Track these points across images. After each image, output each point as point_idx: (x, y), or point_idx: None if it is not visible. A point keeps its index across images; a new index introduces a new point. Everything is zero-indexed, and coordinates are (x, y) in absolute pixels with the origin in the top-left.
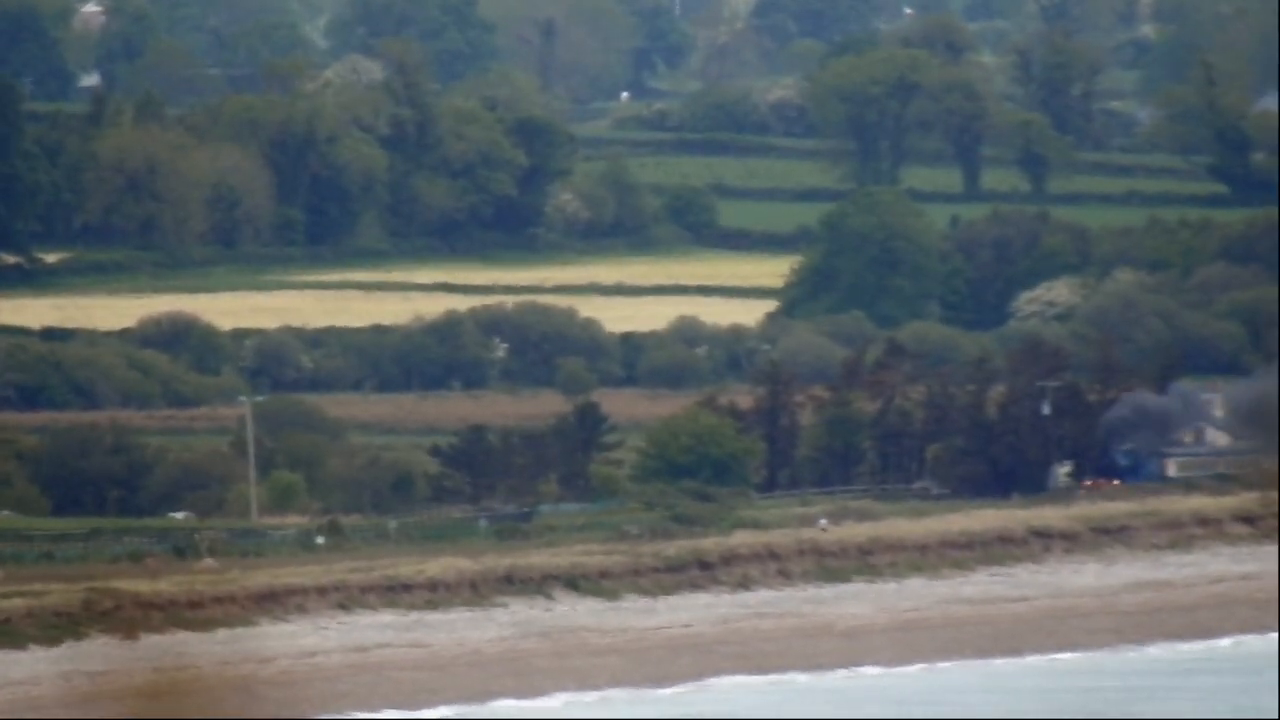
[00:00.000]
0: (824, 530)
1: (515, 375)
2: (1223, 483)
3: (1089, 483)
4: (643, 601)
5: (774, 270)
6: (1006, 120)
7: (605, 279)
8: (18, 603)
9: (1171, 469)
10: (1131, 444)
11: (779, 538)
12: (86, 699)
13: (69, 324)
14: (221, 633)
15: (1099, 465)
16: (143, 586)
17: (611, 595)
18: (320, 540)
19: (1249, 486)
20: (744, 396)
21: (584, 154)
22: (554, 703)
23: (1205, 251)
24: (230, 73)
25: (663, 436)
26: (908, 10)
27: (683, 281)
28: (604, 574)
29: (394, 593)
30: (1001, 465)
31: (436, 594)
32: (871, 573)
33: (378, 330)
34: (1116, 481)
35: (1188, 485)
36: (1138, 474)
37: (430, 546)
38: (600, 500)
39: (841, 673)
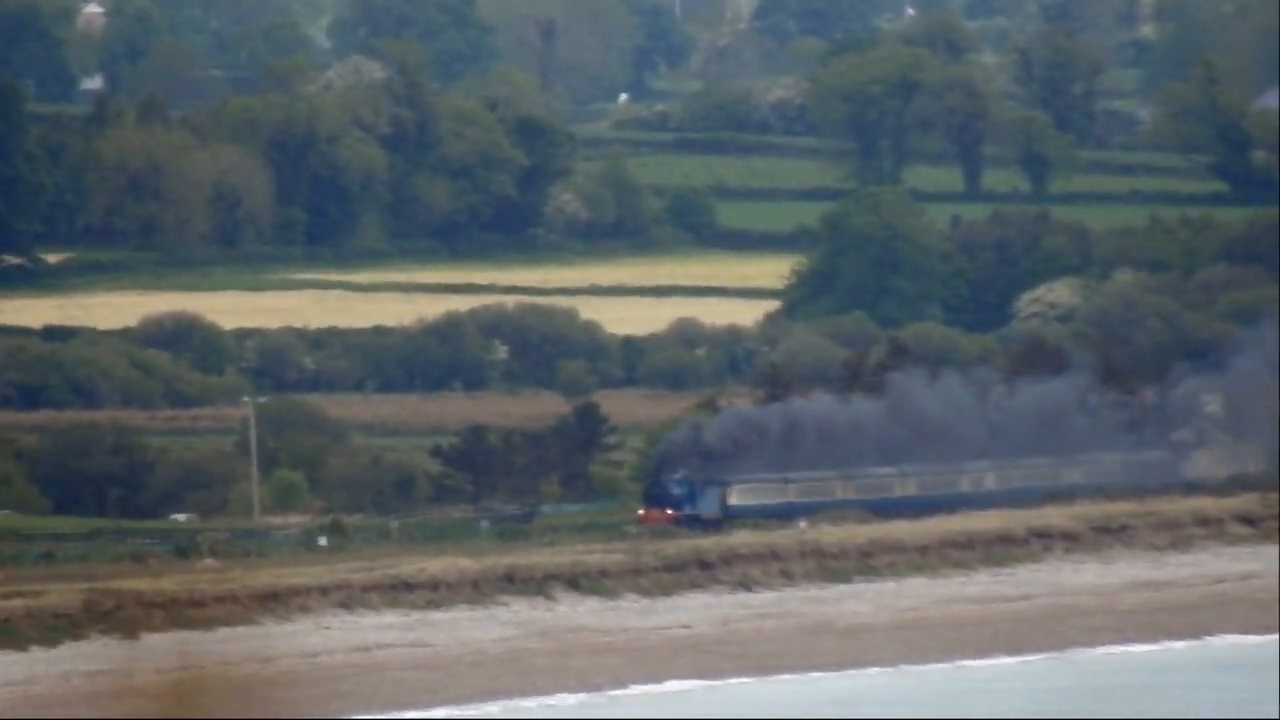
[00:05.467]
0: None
1: (516, 376)
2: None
3: (641, 513)
4: (643, 601)
5: (774, 271)
6: (1007, 119)
7: (605, 280)
8: (17, 603)
9: (734, 497)
10: (686, 473)
11: (779, 538)
12: (87, 699)
13: (71, 323)
14: (223, 632)
15: (652, 496)
16: (144, 586)
17: (612, 594)
18: (322, 540)
19: (1249, 487)
20: (743, 398)
21: (584, 154)
22: (555, 702)
23: (1206, 252)
24: (232, 74)
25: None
26: (909, 9)
27: (683, 282)
28: (605, 573)
29: (396, 592)
30: None
31: (438, 593)
32: (872, 573)
33: (379, 331)
34: (670, 511)
35: (1191, 488)
36: (695, 504)
37: (432, 546)
38: (601, 500)
39: (842, 672)
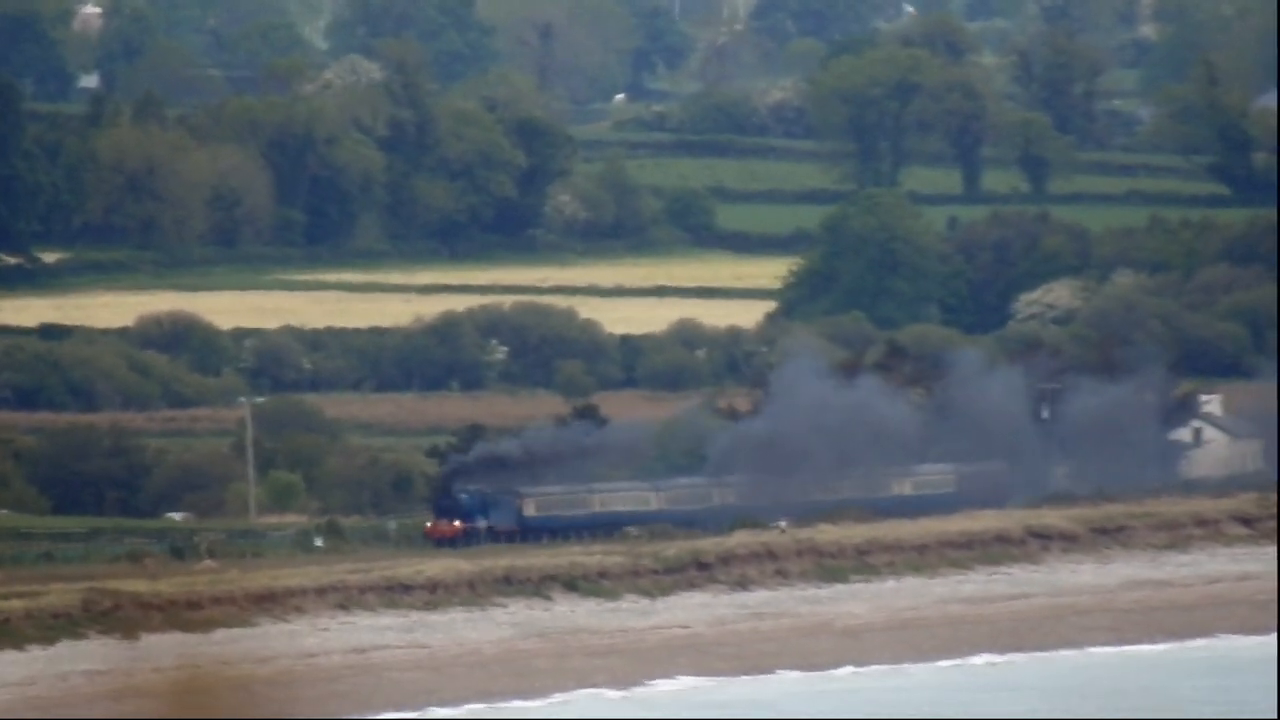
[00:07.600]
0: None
1: (514, 377)
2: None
3: (429, 525)
4: (641, 602)
5: (773, 272)
6: (1007, 120)
7: (604, 280)
8: (16, 603)
9: (530, 508)
10: (480, 485)
11: (777, 538)
12: (85, 699)
13: (68, 323)
14: (220, 633)
15: (441, 507)
16: (141, 587)
17: (610, 595)
18: (319, 541)
19: (1245, 487)
20: (743, 399)
21: (583, 155)
22: (553, 703)
23: (1206, 253)
24: (229, 73)
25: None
26: (908, 9)
27: (682, 283)
28: (603, 574)
29: (393, 593)
30: None
31: (435, 594)
32: (869, 572)
33: (377, 331)
34: (458, 523)
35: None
36: (487, 515)
37: (429, 547)
38: None
39: (839, 672)
